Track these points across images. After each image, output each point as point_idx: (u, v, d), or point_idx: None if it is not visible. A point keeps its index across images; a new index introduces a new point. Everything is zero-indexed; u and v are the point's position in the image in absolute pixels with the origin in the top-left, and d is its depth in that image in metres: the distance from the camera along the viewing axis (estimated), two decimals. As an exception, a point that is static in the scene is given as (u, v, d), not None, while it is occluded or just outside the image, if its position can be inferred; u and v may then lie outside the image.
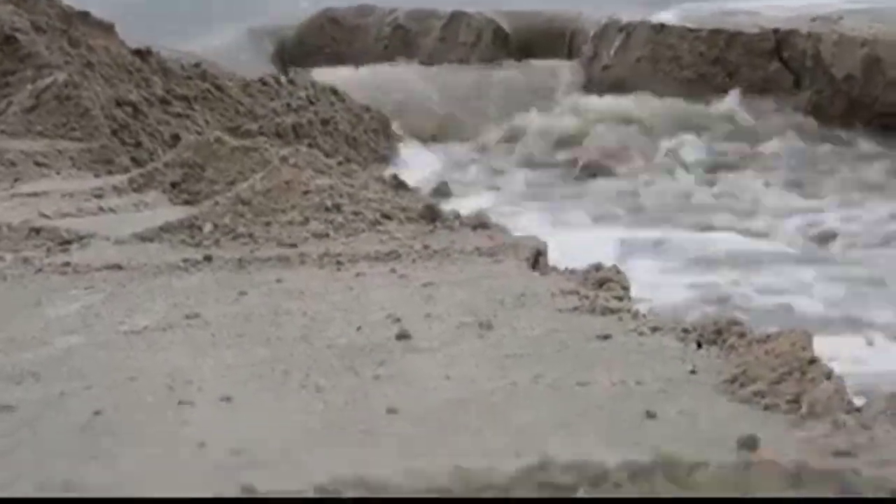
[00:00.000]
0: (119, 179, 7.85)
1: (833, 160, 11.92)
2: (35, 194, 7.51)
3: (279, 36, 15.10)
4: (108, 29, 11.35)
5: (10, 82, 9.73)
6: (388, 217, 6.73)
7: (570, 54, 14.02)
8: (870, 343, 7.31)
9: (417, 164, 11.55)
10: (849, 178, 11.54)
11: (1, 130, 8.99)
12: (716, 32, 13.06)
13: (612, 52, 13.49)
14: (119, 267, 5.98)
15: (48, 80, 9.37)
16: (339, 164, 8.79)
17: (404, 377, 4.47)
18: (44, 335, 4.98)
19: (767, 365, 4.15)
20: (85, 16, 11.38)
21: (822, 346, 4.33)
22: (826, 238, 10.01)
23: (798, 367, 4.07)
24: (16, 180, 8.02)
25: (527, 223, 9.54)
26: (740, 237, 9.92)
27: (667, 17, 13.55)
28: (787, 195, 11.17)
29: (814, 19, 12.92)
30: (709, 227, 10.21)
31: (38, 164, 8.44)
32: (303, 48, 14.93)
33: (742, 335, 4.60)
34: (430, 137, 12.54)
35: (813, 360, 4.11)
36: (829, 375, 4.03)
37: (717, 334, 4.69)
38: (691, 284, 8.62)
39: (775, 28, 12.90)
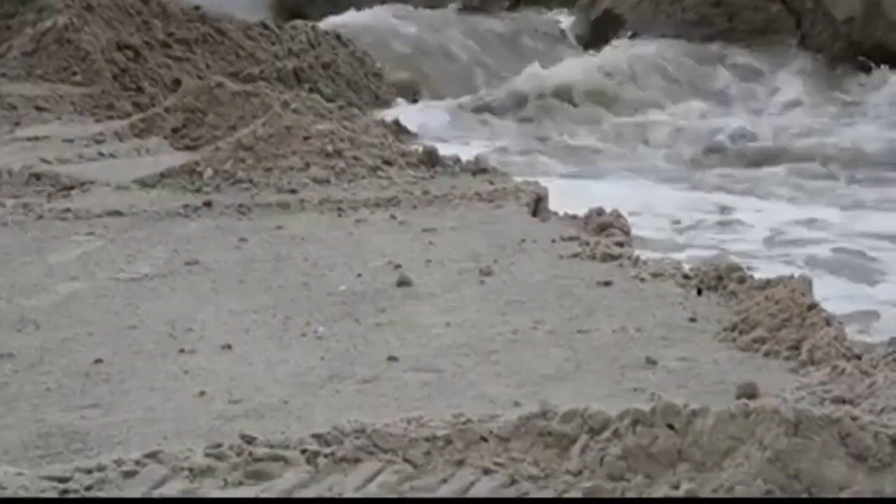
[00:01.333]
0: (120, 124, 7.83)
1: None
2: (36, 139, 7.49)
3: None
4: None
5: (11, 25, 9.66)
6: (388, 163, 6.71)
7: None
8: None
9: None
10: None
11: (1, 74, 8.95)
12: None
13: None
14: (119, 213, 5.97)
15: (48, 24, 9.31)
16: (340, 108, 8.76)
17: (405, 324, 4.47)
18: (45, 281, 4.99)
19: (767, 311, 4.15)
20: None
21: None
22: None
23: (798, 314, 4.07)
24: (16, 124, 8.00)
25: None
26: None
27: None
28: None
29: None
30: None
31: (38, 108, 8.40)
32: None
33: (742, 281, 4.60)
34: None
35: (812, 306, 4.11)
36: (828, 321, 4.03)
37: (717, 280, 4.69)
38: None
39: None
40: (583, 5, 13.68)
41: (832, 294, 5.38)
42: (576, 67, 12.23)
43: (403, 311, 4.63)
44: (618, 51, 12.63)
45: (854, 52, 12.28)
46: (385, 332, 4.40)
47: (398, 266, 5.10)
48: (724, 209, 8.34)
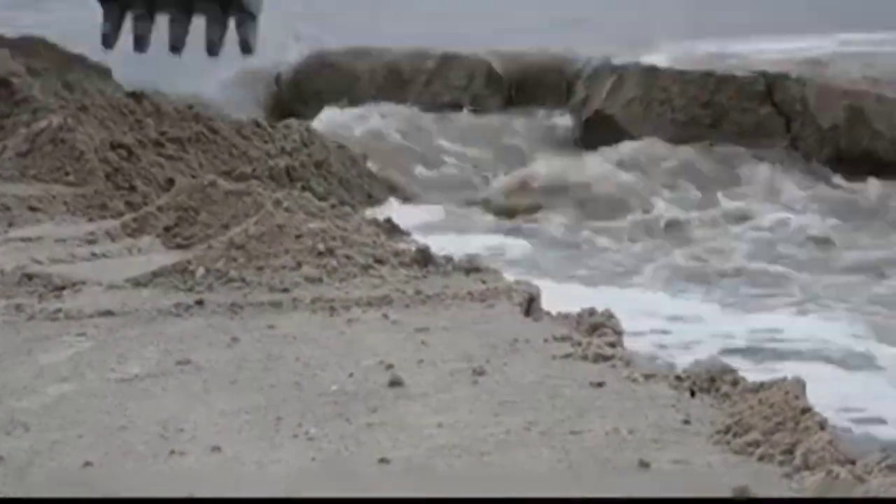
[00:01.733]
0: (112, 224, 7.85)
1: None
2: (29, 239, 7.50)
3: (273, 79, 15.13)
4: (103, 72, 11.38)
5: (5, 126, 9.73)
6: (380, 261, 6.72)
7: (562, 96, 14.05)
8: None
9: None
10: None
11: (-4, 174, 8.99)
12: (707, 75, 13.11)
13: (603, 94, 13.53)
14: (111, 313, 5.96)
15: (43, 124, 9.37)
16: (333, 206, 8.80)
17: (397, 425, 4.46)
18: (35, 383, 4.97)
19: (761, 414, 4.14)
20: (81, 59, 11.40)
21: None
22: None
23: (791, 417, 4.06)
24: (10, 225, 8.02)
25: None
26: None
27: (658, 59, 13.59)
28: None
29: (803, 63, 12.96)
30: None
31: (32, 208, 8.43)
32: (297, 91, 14.96)
33: (735, 383, 4.59)
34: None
35: (806, 410, 4.10)
36: (822, 425, 4.02)
37: (710, 382, 4.68)
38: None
39: (764, 71, 12.96)
40: (575, 105, 13.82)
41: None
42: (569, 166, 12.34)
43: (395, 411, 4.61)
44: (610, 150, 12.77)
45: (841, 159, 12.41)
46: (377, 432, 4.38)
47: (390, 366, 5.09)
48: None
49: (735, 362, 5.37)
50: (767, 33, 14.54)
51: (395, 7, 17.60)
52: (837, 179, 12.23)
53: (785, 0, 16.86)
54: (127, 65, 10.67)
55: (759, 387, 4.45)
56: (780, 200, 11.91)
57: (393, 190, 12.06)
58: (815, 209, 11.63)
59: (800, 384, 4.26)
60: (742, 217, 11.58)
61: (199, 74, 13.33)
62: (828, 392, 5.74)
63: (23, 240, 7.51)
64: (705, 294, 9.46)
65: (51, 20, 14.36)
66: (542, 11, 16.89)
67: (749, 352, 7.78)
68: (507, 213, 11.88)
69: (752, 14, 16.16)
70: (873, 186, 11.95)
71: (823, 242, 10.89)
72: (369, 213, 9.93)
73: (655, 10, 16.83)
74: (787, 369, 5.33)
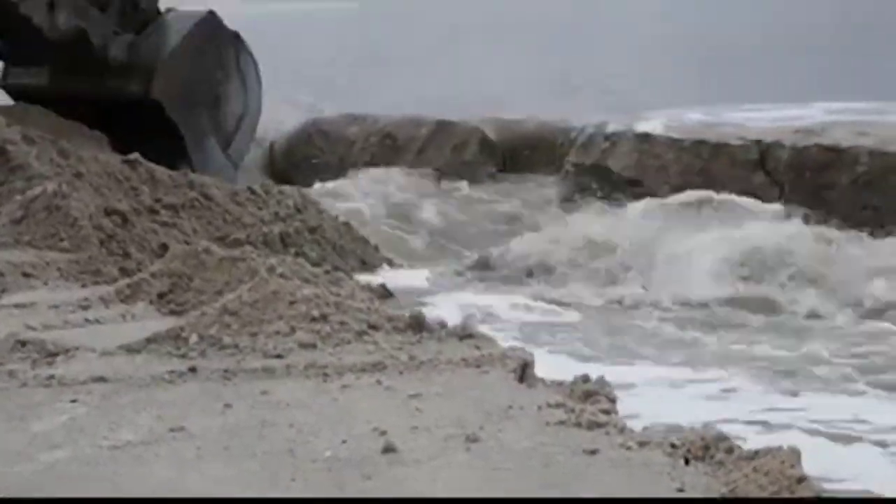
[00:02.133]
0: (106, 290, 7.85)
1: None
2: (22, 305, 7.50)
3: (267, 145, 15.22)
4: (98, 139, 11.45)
5: (0, 193, 9.76)
6: (374, 327, 6.72)
7: (556, 163, 14.12)
8: None
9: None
10: None
11: (-10, 241, 9.00)
12: (700, 143, 13.18)
13: (597, 160, 13.60)
14: (104, 379, 5.94)
15: (37, 191, 9.40)
16: (327, 272, 8.82)
17: (390, 492, 4.44)
18: (28, 450, 4.95)
19: (756, 483, 4.12)
20: (77, 127, 11.48)
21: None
22: None
23: (787, 486, 4.05)
24: (3, 291, 8.01)
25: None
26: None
27: (652, 126, 13.67)
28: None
29: (796, 131, 13.03)
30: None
31: (25, 274, 8.43)
32: (291, 157, 15.04)
33: (730, 451, 4.58)
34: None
35: (802, 479, 4.08)
36: (818, 495, 4.00)
37: (704, 450, 4.67)
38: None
39: (758, 139, 13.03)
40: (568, 172, 13.89)
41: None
42: (561, 234, 12.37)
43: (389, 478, 4.60)
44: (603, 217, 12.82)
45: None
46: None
47: (384, 432, 5.08)
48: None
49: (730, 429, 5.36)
50: (755, 101, 14.67)
51: (390, 74, 17.76)
52: None
53: (768, 68, 17.03)
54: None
55: (755, 455, 4.44)
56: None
57: (386, 256, 12.10)
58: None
59: (795, 453, 4.25)
60: None
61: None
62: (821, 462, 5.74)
63: (16, 306, 7.50)
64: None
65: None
66: (533, 79, 17.06)
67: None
68: (500, 278, 11.90)
69: (739, 82, 16.33)
70: None
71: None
72: (363, 278, 9.94)
73: (645, 78, 17.00)
74: (783, 438, 5.31)
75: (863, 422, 7.81)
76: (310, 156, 14.94)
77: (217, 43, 13.39)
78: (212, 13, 13.41)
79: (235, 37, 13.60)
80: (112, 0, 12.75)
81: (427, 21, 20.35)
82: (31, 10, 11.98)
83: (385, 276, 10.67)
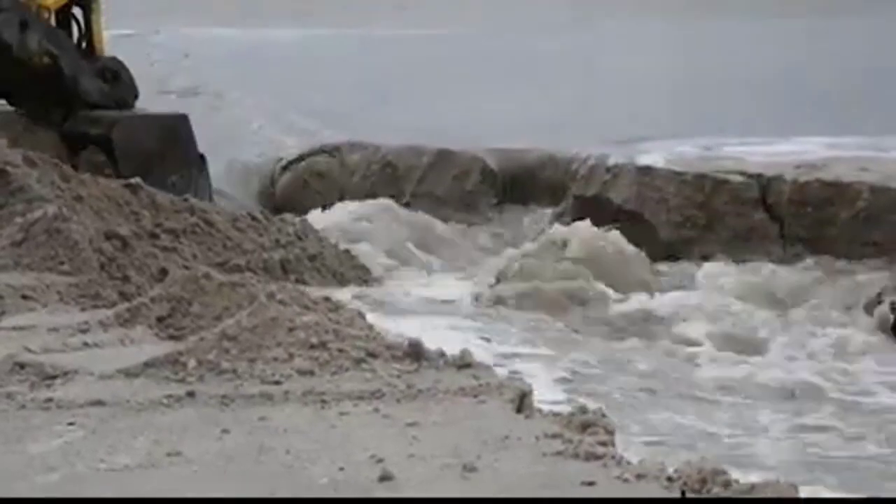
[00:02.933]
0: (105, 314, 7.85)
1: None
2: (21, 328, 7.50)
3: (266, 172, 15.27)
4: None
5: (1, 215, 9.78)
6: (373, 355, 6.71)
7: (557, 194, 14.15)
8: None
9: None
10: None
11: (-11, 264, 9.02)
12: (701, 176, 13.20)
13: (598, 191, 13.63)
14: (102, 403, 5.94)
15: (38, 214, 9.42)
16: (326, 300, 8.83)
17: (386, 521, 4.44)
18: (25, 472, 4.95)
19: (752, 516, 4.12)
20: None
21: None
22: None
23: (783, 519, 4.05)
24: (2, 313, 8.02)
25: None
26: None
27: (653, 158, 13.69)
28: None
29: (797, 166, 13.06)
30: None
31: (24, 297, 8.44)
32: (291, 184, 15.07)
33: (727, 485, 4.57)
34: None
35: (798, 512, 4.08)
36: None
37: (701, 483, 4.66)
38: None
39: (759, 173, 13.05)
40: (569, 206, 13.90)
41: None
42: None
43: (385, 506, 4.60)
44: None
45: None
46: (366, 529, 4.36)
47: (380, 460, 5.08)
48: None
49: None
50: (751, 134, 14.70)
51: (391, 102, 17.80)
52: None
53: (764, 102, 17.07)
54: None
55: (751, 489, 4.44)
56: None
57: (385, 284, 12.12)
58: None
59: (793, 487, 4.25)
60: None
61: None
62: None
63: (15, 328, 7.51)
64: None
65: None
66: (529, 110, 17.10)
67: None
68: (498, 301, 11.91)
69: (733, 114, 16.36)
70: None
71: None
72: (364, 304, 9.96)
73: (639, 109, 17.04)
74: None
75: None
76: (310, 183, 14.96)
77: (182, 148, 13.06)
78: (185, 116, 13.20)
79: (201, 157, 13.24)
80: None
81: (426, 53, 20.54)
82: (2, 26, 11.97)
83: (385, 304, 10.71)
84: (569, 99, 17.44)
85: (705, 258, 12.74)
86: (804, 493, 4.39)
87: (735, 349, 10.54)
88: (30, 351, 6.86)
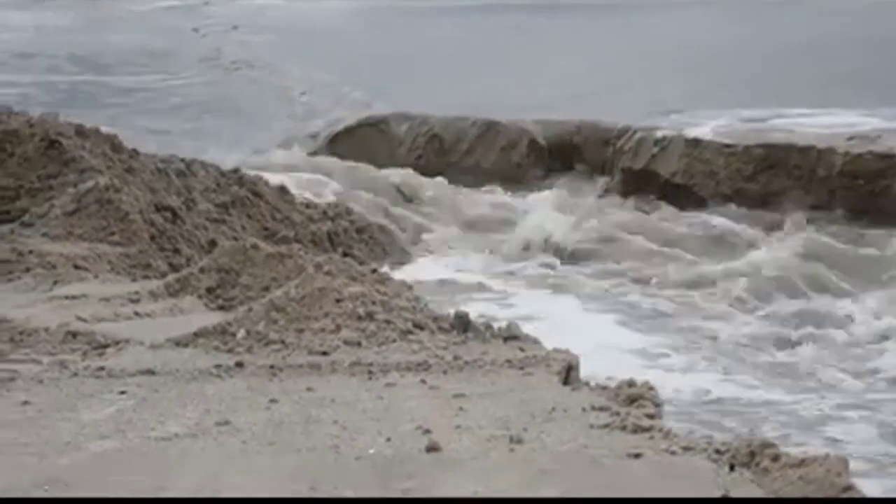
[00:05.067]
0: (156, 284, 7.92)
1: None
2: (74, 297, 7.59)
3: (316, 142, 15.28)
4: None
5: (53, 185, 9.86)
6: (419, 326, 6.73)
7: (604, 166, 14.09)
8: None
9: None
10: None
11: (43, 233, 9.10)
12: (750, 149, 13.09)
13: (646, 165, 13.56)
14: (152, 372, 6.01)
15: (90, 185, 9.49)
16: (373, 271, 8.85)
17: (433, 491, 4.45)
18: (77, 440, 5.01)
19: (802, 491, 4.09)
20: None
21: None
22: None
23: (833, 494, 4.01)
24: (55, 283, 8.11)
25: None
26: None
27: (702, 131, 13.60)
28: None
29: (850, 138, 12.91)
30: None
31: (77, 267, 8.52)
32: (342, 155, 15.06)
33: (776, 458, 4.54)
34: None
35: (848, 487, 4.05)
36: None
37: (749, 456, 4.63)
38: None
39: (810, 145, 12.91)
40: (617, 179, 13.82)
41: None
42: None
43: (432, 477, 4.61)
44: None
45: None
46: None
47: (427, 431, 5.09)
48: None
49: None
50: (792, 105, 14.56)
51: (443, 74, 17.78)
52: None
53: (815, 74, 16.89)
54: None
55: (801, 462, 4.41)
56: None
57: (430, 256, 12.13)
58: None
59: (842, 461, 4.22)
60: None
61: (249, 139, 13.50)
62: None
63: (68, 298, 7.59)
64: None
65: None
66: (576, 81, 17.03)
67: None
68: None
69: (768, 86, 16.21)
70: None
71: None
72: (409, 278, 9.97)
73: (688, 82, 16.92)
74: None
75: None
76: (360, 153, 14.95)
77: None
78: None
79: None
80: None
81: (474, 21, 20.45)
82: None
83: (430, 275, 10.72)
84: (613, 69, 17.36)
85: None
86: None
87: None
88: (82, 320, 6.94)
